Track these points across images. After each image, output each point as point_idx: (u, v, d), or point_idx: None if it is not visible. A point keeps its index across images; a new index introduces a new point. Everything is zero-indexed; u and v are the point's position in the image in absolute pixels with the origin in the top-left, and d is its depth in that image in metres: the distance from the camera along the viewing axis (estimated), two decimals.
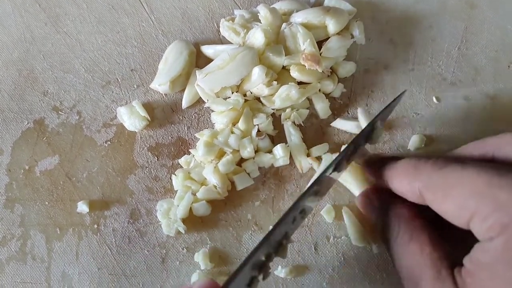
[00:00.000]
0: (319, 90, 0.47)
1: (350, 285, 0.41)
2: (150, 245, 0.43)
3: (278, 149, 0.44)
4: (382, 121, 0.42)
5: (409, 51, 0.50)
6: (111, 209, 0.44)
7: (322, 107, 0.46)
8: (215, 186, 0.43)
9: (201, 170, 0.43)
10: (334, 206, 0.43)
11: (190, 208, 0.42)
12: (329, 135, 0.46)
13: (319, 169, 0.44)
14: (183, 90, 0.48)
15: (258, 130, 0.45)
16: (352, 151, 0.39)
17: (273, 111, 0.46)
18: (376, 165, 0.39)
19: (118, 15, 0.52)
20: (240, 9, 0.52)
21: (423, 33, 0.50)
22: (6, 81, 0.49)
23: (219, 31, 0.50)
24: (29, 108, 0.48)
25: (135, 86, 0.49)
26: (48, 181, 0.45)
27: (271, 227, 0.42)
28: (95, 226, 0.43)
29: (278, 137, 0.46)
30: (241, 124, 0.44)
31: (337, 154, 0.42)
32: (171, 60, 0.48)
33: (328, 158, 0.44)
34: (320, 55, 0.45)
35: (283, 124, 0.46)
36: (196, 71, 0.46)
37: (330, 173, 0.37)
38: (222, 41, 0.50)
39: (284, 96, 0.44)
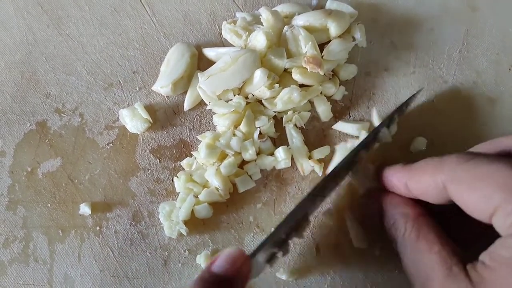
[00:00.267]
0: (321, 93, 0.47)
1: (351, 287, 0.41)
2: (152, 247, 0.43)
3: (280, 152, 0.44)
4: (399, 116, 0.43)
5: (410, 54, 0.50)
6: (113, 211, 0.44)
7: (323, 110, 0.46)
8: (217, 188, 0.43)
9: (203, 172, 0.43)
10: (336, 208, 0.43)
11: (192, 210, 0.43)
12: (331, 137, 0.46)
13: (336, 158, 0.44)
14: (185, 92, 0.48)
15: (260, 133, 0.45)
16: (370, 141, 0.40)
17: (275, 113, 0.46)
18: (390, 171, 0.39)
19: (120, 17, 0.52)
20: (242, 11, 0.52)
21: (424, 35, 0.51)
22: (8, 83, 0.49)
23: (221, 33, 0.50)
24: (31, 110, 0.48)
25: (137, 88, 0.49)
26: (50, 183, 0.45)
27: (273, 229, 0.43)
28: (97, 228, 0.44)
29: (279, 139, 0.46)
30: (243, 127, 0.44)
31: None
32: (173, 62, 0.48)
33: (343, 148, 0.44)
34: (322, 57, 0.45)
35: (284, 127, 0.46)
36: (198, 73, 0.46)
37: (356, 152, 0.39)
38: (224, 43, 0.50)
39: (286, 99, 0.44)
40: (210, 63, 0.47)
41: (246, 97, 0.46)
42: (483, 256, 0.31)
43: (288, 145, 0.45)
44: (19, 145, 0.47)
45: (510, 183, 0.29)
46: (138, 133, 0.47)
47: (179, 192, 0.44)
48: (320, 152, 0.45)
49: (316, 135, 0.47)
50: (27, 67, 0.50)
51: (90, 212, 0.44)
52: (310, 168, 0.45)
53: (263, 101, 0.46)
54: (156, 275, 0.42)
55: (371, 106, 0.48)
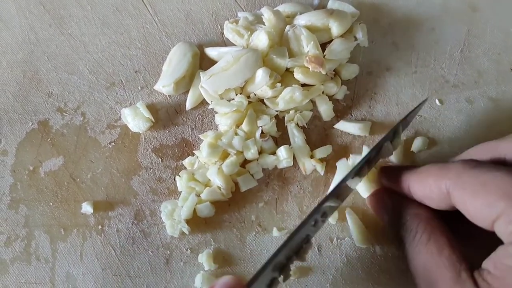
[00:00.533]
0: (323, 92, 0.47)
1: (353, 287, 0.41)
2: (154, 246, 0.43)
3: (282, 151, 0.44)
4: (404, 128, 0.42)
5: (412, 54, 0.50)
6: (115, 210, 0.44)
7: (325, 109, 0.47)
8: (219, 188, 0.43)
9: (205, 172, 0.43)
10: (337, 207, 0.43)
11: (194, 209, 0.43)
12: (332, 137, 0.47)
13: (338, 175, 0.44)
14: (187, 91, 0.48)
15: (262, 132, 0.45)
16: (373, 157, 0.39)
17: (276, 113, 0.46)
18: (394, 172, 0.39)
19: (122, 17, 0.52)
20: (243, 11, 0.52)
21: (425, 35, 0.51)
22: (10, 82, 0.49)
23: (223, 33, 0.50)
24: (33, 109, 0.48)
25: (139, 87, 0.49)
26: (52, 182, 0.45)
27: (275, 228, 0.43)
28: (100, 227, 0.44)
29: (281, 138, 0.46)
30: (245, 126, 0.44)
31: (353, 158, 0.43)
32: (175, 61, 0.48)
33: (344, 164, 0.44)
34: (324, 57, 0.45)
35: (286, 126, 0.46)
36: (200, 72, 0.46)
37: (352, 178, 0.37)
38: (226, 43, 0.51)
39: (287, 98, 0.44)
40: (212, 62, 0.48)
41: (248, 97, 0.46)
42: (487, 264, 0.31)
43: (290, 144, 0.45)
44: (21, 144, 0.47)
45: None
46: (140, 132, 0.47)
47: (181, 191, 0.44)
48: (322, 152, 0.45)
49: (318, 135, 0.47)
50: (29, 66, 0.50)
51: (92, 211, 0.44)
52: (312, 167, 0.45)
53: (265, 100, 0.46)
54: (158, 274, 0.42)
55: (373, 105, 0.48)
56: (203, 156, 0.43)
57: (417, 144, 0.45)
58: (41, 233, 0.43)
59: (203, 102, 0.48)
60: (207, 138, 0.44)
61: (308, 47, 0.45)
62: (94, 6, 0.53)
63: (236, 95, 0.46)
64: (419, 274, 0.34)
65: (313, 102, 0.47)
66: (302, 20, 0.47)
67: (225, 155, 0.44)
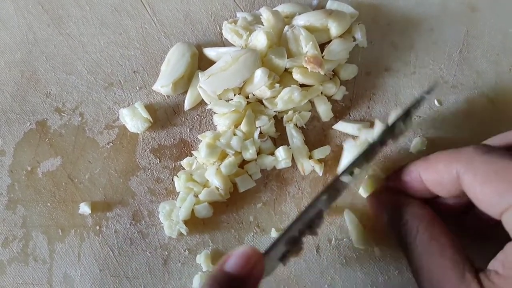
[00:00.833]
0: (321, 93, 0.47)
1: (351, 287, 0.41)
2: (152, 247, 0.43)
3: (280, 151, 0.44)
4: (414, 110, 0.41)
5: (411, 54, 0.50)
6: (113, 210, 0.44)
7: (324, 110, 0.46)
8: (217, 188, 0.43)
9: (203, 172, 0.43)
10: (336, 208, 0.43)
11: (192, 210, 0.42)
12: (331, 137, 0.46)
13: (345, 157, 0.42)
14: (186, 92, 0.48)
15: (260, 132, 0.45)
16: (386, 134, 0.38)
17: (275, 113, 0.46)
18: (402, 167, 0.38)
19: (121, 17, 0.52)
20: (242, 11, 0.52)
21: (424, 36, 0.51)
22: (8, 82, 0.49)
23: (222, 33, 0.50)
24: (31, 109, 0.48)
25: (137, 88, 0.49)
26: (50, 183, 0.45)
27: (273, 229, 0.43)
28: (97, 227, 0.43)
29: (280, 139, 0.46)
30: (243, 126, 0.44)
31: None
32: (174, 62, 0.48)
33: (351, 145, 0.42)
34: (322, 57, 0.45)
35: (285, 127, 0.46)
36: (199, 73, 0.46)
37: (376, 142, 0.37)
38: (225, 43, 0.50)
39: (286, 99, 0.44)
40: (211, 62, 0.47)
41: (247, 97, 0.46)
42: (495, 264, 0.31)
43: (288, 145, 0.45)
44: (19, 144, 0.47)
45: None
46: (138, 132, 0.47)
47: (179, 192, 0.44)
48: (321, 152, 0.45)
49: (317, 135, 0.47)
50: (27, 66, 0.50)
51: (90, 212, 0.44)
52: (311, 168, 0.45)
53: (263, 100, 0.46)
54: (156, 275, 0.42)
55: (372, 106, 0.48)
56: (201, 157, 0.43)
57: (415, 144, 0.45)
58: (38, 234, 0.43)
59: (202, 103, 0.48)
60: (205, 138, 0.44)
61: (307, 47, 0.45)
62: (92, 6, 0.53)
63: (235, 95, 0.45)
64: (420, 275, 0.34)
65: (311, 102, 0.47)
66: (301, 20, 0.47)
67: (223, 156, 0.44)
